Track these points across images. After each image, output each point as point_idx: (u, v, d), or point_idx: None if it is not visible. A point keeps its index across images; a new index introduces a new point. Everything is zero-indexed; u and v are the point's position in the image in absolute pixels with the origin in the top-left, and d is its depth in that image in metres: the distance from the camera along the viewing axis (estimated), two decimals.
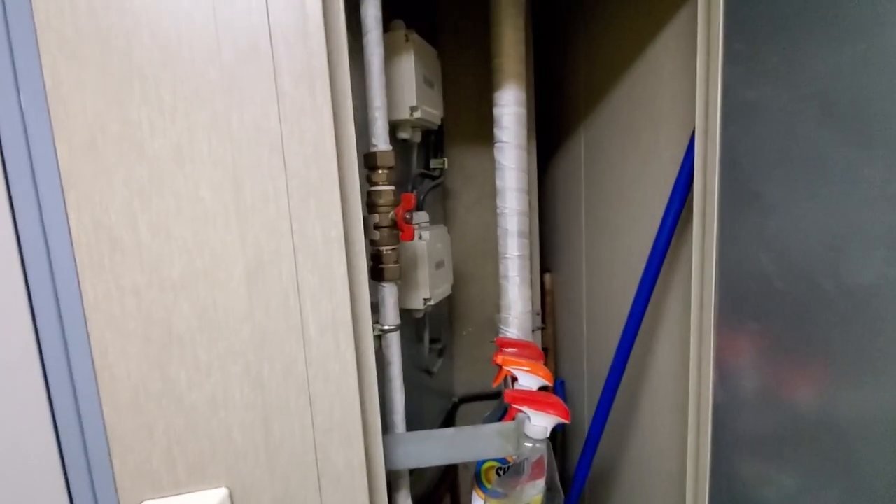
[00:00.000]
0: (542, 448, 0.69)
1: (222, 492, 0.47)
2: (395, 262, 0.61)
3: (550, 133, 1.18)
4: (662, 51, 0.73)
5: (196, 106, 0.42)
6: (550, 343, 1.24)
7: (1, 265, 0.41)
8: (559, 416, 0.62)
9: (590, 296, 1.05)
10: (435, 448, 0.59)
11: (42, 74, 0.40)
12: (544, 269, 1.24)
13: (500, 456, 0.62)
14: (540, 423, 0.63)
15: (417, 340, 0.92)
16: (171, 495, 0.46)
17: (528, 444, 0.64)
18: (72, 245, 0.42)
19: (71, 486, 0.45)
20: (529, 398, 0.63)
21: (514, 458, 0.75)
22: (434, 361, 0.97)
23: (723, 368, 0.54)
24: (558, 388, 1.19)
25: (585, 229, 1.03)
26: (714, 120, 0.50)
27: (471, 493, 0.78)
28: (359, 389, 0.49)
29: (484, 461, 0.75)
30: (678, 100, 0.69)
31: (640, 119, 0.81)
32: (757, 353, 0.53)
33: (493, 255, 0.90)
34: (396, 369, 0.63)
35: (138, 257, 0.43)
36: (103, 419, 0.44)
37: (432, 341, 0.95)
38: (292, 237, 0.45)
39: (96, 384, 0.44)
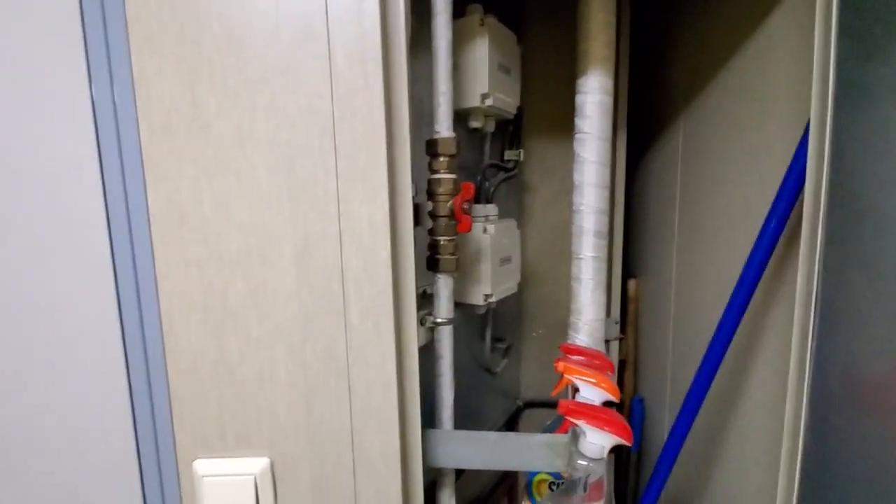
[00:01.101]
0: (600, 469, 0.63)
1: (265, 461, 0.49)
2: (452, 253, 0.59)
3: (645, 127, 1.08)
4: (776, 30, 0.63)
5: (256, 89, 0.44)
6: (630, 355, 1.15)
7: (91, 235, 0.46)
8: (619, 435, 0.56)
9: (678, 305, 0.95)
10: (476, 451, 0.56)
11: (131, 65, 0.44)
12: (629, 274, 1.14)
13: (546, 469, 0.58)
14: (596, 441, 0.57)
15: (479, 338, 0.89)
16: (221, 458, 0.49)
17: (582, 463, 0.59)
18: (149, 219, 0.46)
19: (139, 442, 0.50)
20: (587, 412, 0.58)
21: (568, 474, 0.70)
22: (497, 361, 0.93)
23: (823, 407, 0.45)
24: (636, 406, 1.09)
25: (678, 231, 0.93)
26: (831, 107, 0.41)
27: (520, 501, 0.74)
28: (397, 379, 0.48)
29: (535, 474, 0.71)
30: (794, 86, 0.59)
31: (747, 109, 0.70)
32: (878, 392, 0.43)
33: (568, 253, 0.85)
34: (447, 364, 0.62)
35: (202, 232, 0.46)
36: (167, 382, 0.48)
37: (496, 340, 0.92)
38: (339, 219, 0.45)
39: (163, 348, 0.48)
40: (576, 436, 0.58)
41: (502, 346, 0.94)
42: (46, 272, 0.46)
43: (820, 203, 0.44)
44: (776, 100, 0.63)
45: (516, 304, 1.06)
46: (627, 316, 1.12)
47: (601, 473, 0.63)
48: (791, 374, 0.50)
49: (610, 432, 0.56)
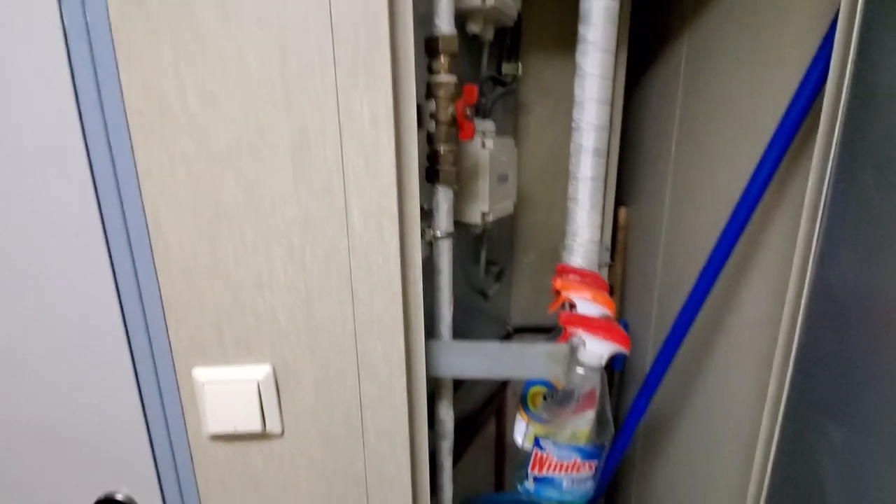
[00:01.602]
0: (595, 379, 0.64)
1: (266, 368, 0.48)
2: (453, 164, 0.57)
3: (646, 41, 1.03)
4: None
5: None
6: (617, 282, 1.16)
7: (61, 118, 0.41)
8: (619, 343, 0.57)
9: (670, 231, 0.95)
10: (479, 360, 0.57)
11: None
12: (619, 202, 1.13)
13: (546, 377, 0.59)
14: (595, 350, 0.58)
15: (474, 260, 0.89)
16: (221, 365, 0.48)
17: (581, 371, 0.60)
18: (124, 107, 0.42)
19: (134, 351, 0.48)
20: (587, 322, 0.58)
21: (562, 385, 0.72)
22: (490, 284, 0.94)
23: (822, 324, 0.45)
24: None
25: (675, 154, 0.91)
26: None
27: (515, 415, 0.76)
28: (402, 285, 0.47)
29: (531, 384, 0.73)
30: None
31: (760, 16, 0.67)
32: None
33: (563, 178, 0.83)
34: (446, 279, 0.61)
35: (186, 125, 0.42)
36: (159, 286, 0.46)
37: (489, 263, 0.92)
38: (338, 113, 0.42)
39: (151, 251, 0.45)
40: (574, 346, 0.59)
41: (495, 269, 0.94)
42: (12, 174, 0.42)
43: (840, 99, 0.43)
44: (794, 3, 0.60)
45: (509, 229, 1.05)
46: (616, 244, 1.13)
47: (594, 384, 0.65)
48: (792, 278, 0.51)
49: (609, 340, 0.57)
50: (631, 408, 0.82)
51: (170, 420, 0.50)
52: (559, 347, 0.56)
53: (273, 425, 0.50)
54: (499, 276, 0.96)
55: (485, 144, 0.71)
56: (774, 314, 0.60)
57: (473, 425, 1.08)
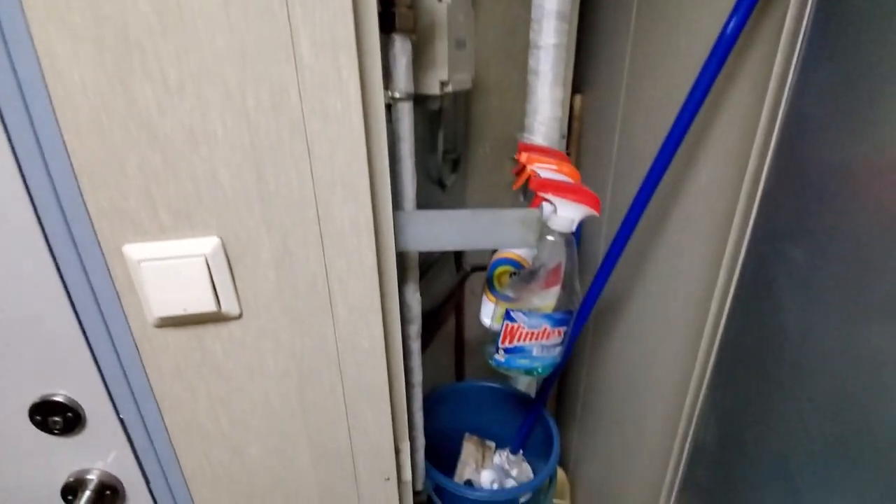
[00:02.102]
0: (563, 251, 0.64)
1: (214, 240, 0.42)
2: (409, 6, 0.49)
3: None
4: None
5: None
6: None
7: None
8: (589, 206, 0.56)
9: (627, 113, 0.93)
10: (450, 230, 0.54)
11: None
12: (575, 89, 1.09)
13: (520, 245, 0.57)
14: (567, 215, 0.57)
15: (431, 147, 0.83)
16: (158, 240, 0.42)
17: (551, 239, 0.59)
18: None
19: (46, 229, 0.40)
20: (558, 186, 0.56)
21: (529, 263, 0.72)
22: (448, 174, 0.89)
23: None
24: None
25: (634, 26, 0.87)
26: None
27: (481, 298, 0.76)
28: (366, 138, 0.41)
29: (497, 265, 0.72)
30: None
31: None
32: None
33: (519, 59, 0.77)
34: (408, 147, 0.55)
35: None
36: (65, 145, 0.37)
37: (446, 152, 0.87)
38: None
39: (49, 98, 0.36)
40: (545, 212, 0.57)
41: (452, 156, 0.89)
42: None
43: None
44: None
45: (465, 114, 0.99)
46: (571, 134, 1.11)
47: (561, 258, 0.65)
48: (763, 116, 0.50)
49: (580, 203, 0.55)
50: (586, 295, 0.84)
51: (104, 308, 0.44)
52: (532, 212, 0.54)
53: (229, 306, 0.45)
54: (455, 166, 0.92)
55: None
56: (735, 175, 0.60)
57: (434, 322, 1.08)
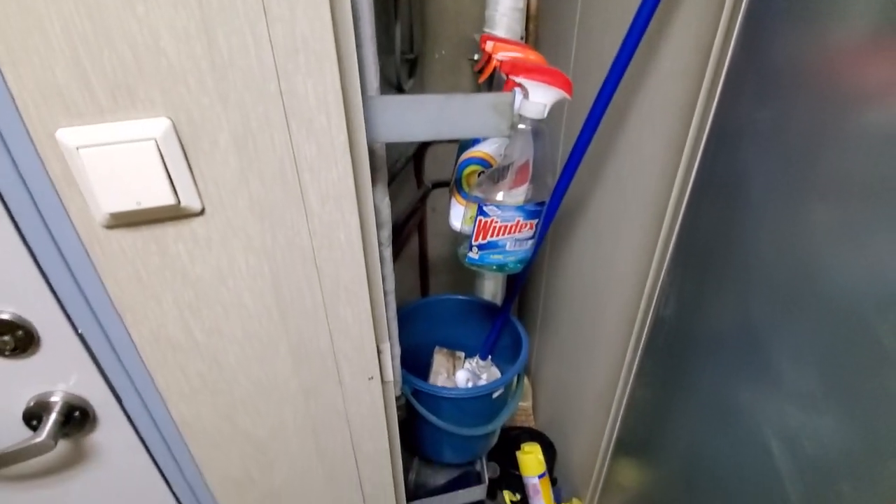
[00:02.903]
0: (530, 149, 0.63)
1: (163, 122, 0.37)
2: None
3: None
4: None
5: None
6: None
7: None
8: (562, 88, 0.54)
9: (584, 13, 0.90)
10: (421, 117, 0.51)
11: None
12: None
13: (492, 134, 0.55)
14: (539, 100, 0.55)
15: (388, 49, 0.77)
16: (95, 124, 0.36)
17: (522, 127, 0.58)
18: None
19: None
20: (530, 68, 0.54)
21: (497, 161, 0.70)
22: (405, 77, 0.84)
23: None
24: None
25: None
26: None
27: (449, 202, 0.75)
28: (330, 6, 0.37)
29: (465, 166, 0.70)
30: None
31: None
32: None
33: None
34: (369, 29, 0.50)
35: None
36: None
37: (403, 52, 0.81)
38: None
39: None
40: (517, 97, 0.55)
41: (409, 56, 0.84)
42: None
43: None
44: None
45: (420, 18, 0.92)
46: (528, 36, 1.07)
47: (528, 156, 0.64)
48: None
49: (553, 85, 0.54)
50: (552, 196, 0.84)
51: (43, 209, 0.39)
52: (505, 96, 0.52)
53: (189, 199, 0.41)
54: (413, 69, 0.87)
55: None
56: (698, 64, 0.61)
57: (396, 240, 1.07)
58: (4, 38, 0.32)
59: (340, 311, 0.53)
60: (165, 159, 0.38)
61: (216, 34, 0.35)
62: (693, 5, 0.63)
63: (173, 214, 0.41)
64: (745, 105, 0.52)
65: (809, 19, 0.44)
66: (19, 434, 0.47)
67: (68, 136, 0.36)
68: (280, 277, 0.48)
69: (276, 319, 0.51)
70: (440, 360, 1.09)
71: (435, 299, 1.08)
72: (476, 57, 0.83)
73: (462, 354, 1.12)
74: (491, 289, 1.10)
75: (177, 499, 0.60)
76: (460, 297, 1.08)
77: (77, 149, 0.36)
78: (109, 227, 0.40)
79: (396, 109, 0.50)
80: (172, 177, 0.39)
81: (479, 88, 1.03)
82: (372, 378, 0.60)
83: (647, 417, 0.79)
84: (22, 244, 0.39)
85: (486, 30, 0.77)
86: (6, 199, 0.37)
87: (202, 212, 0.42)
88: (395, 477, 0.73)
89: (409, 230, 1.10)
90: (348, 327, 0.54)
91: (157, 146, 0.37)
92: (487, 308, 1.09)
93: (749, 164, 0.51)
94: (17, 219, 0.38)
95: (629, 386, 0.83)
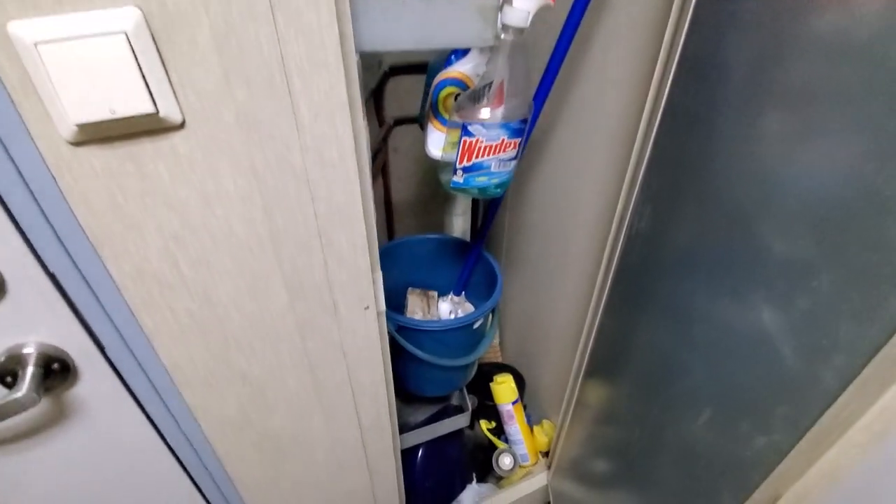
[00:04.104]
0: (507, 66, 0.62)
1: (132, 12, 0.33)
2: None
3: None
4: None
5: None
6: None
7: None
8: None
9: None
10: (406, 22, 0.48)
11: None
12: None
13: (476, 43, 0.53)
14: (523, 6, 0.53)
15: None
16: (52, 14, 0.31)
17: (504, 37, 0.56)
18: None
19: None
20: None
21: (473, 82, 0.69)
22: None
23: None
24: None
25: None
26: None
27: (426, 129, 0.72)
28: None
29: (441, 87, 0.68)
30: None
31: None
32: None
33: None
34: None
35: None
36: None
37: None
38: None
39: None
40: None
41: None
42: None
43: None
44: None
45: None
46: None
47: (504, 74, 0.63)
48: None
49: None
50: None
51: None
52: (488, 2, 0.50)
53: (168, 108, 0.36)
54: None
55: None
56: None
57: None
58: None
59: (335, 236, 0.51)
60: (139, 58, 0.33)
61: None
62: None
63: (151, 127, 0.37)
64: (711, 34, 0.53)
65: None
66: None
67: (25, 31, 0.30)
68: (271, 200, 0.45)
69: (269, 248, 0.48)
70: (414, 300, 1.09)
71: (403, 241, 1.06)
72: None
73: (435, 293, 1.13)
74: (461, 226, 1.11)
75: (171, 450, 0.58)
76: (431, 236, 1.07)
77: (35, 45, 0.31)
78: (77, 143, 0.36)
79: (382, 13, 0.46)
80: (148, 81, 0.34)
81: None
82: (367, 307, 0.59)
83: (617, 335, 0.84)
84: None
85: None
86: None
87: (182, 124, 0.38)
88: (389, 407, 0.73)
89: (373, 171, 1.06)
90: (343, 254, 0.52)
91: (129, 41, 0.33)
92: (458, 245, 1.09)
93: (712, 76, 0.53)
94: None
95: (601, 306, 0.88)
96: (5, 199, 0.36)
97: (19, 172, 0.35)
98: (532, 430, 1.28)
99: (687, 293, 0.62)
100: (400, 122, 1.04)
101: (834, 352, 0.42)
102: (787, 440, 0.47)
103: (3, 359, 0.42)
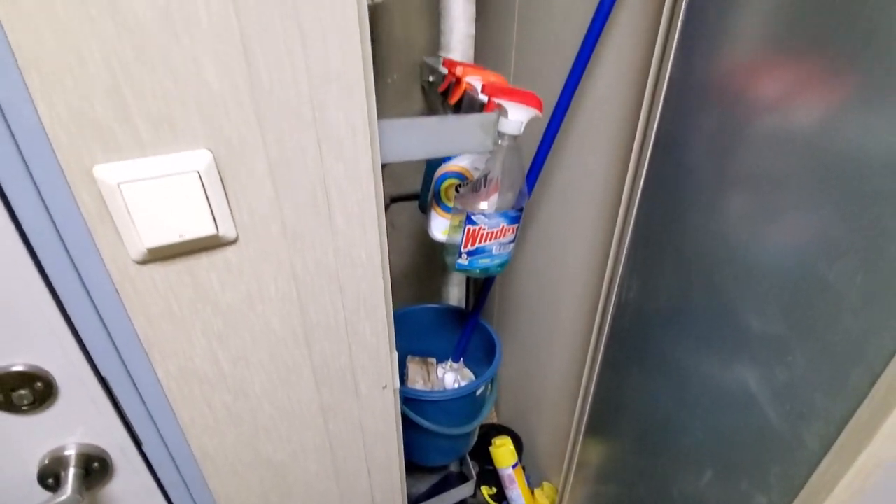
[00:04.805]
0: (504, 161, 0.69)
1: (204, 155, 0.38)
2: None
3: None
4: None
5: None
6: None
7: None
8: (534, 107, 0.61)
9: (521, 37, 0.99)
10: (421, 138, 0.55)
11: None
12: None
13: (478, 150, 0.60)
14: (517, 118, 0.61)
15: None
16: (133, 158, 0.36)
17: (501, 143, 0.64)
18: None
19: None
20: (507, 91, 0.60)
21: (472, 175, 0.76)
22: None
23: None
24: None
25: None
26: None
27: (429, 213, 0.79)
28: (359, 25, 0.40)
29: (443, 180, 0.75)
30: None
31: None
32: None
33: None
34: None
35: None
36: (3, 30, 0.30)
37: None
38: None
39: None
40: (497, 116, 0.61)
41: None
42: None
43: None
44: None
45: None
46: None
47: (506, 168, 0.70)
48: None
49: (527, 105, 0.60)
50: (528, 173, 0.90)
51: (71, 248, 0.37)
52: (488, 116, 0.58)
53: (226, 228, 0.41)
54: None
55: None
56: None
57: None
58: (35, 65, 0.31)
59: (360, 324, 0.55)
60: (207, 191, 0.39)
61: (254, 56, 0.37)
62: (628, 33, 0.73)
63: (208, 245, 0.42)
64: (683, 114, 0.62)
65: (721, 45, 0.54)
66: (34, 498, 0.43)
67: (108, 173, 0.35)
68: (307, 299, 0.49)
69: (301, 341, 0.52)
70: (414, 368, 1.11)
71: (406, 311, 1.10)
72: (431, 79, 0.89)
73: (433, 360, 1.15)
74: (456, 295, 1.15)
75: None
76: (429, 305, 1.11)
77: (118, 185, 0.36)
78: (143, 262, 0.40)
79: (403, 133, 0.53)
80: (214, 210, 0.39)
81: (429, 110, 1.08)
82: (385, 387, 0.62)
83: (614, 396, 0.88)
84: (45, 288, 0.37)
85: (442, 55, 0.83)
86: (33, 241, 0.36)
87: (235, 240, 0.43)
88: (401, 482, 0.75)
89: None
90: (366, 339, 0.56)
91: (200, 178, 0.38)
92: (455, 314, 1.13)
93: (685, 164, 0.61)
94: (43, 263, 0.37)
95: (596, 369, 0.92)
96: (69, 314, 0.39)
97: (84, 286, 0.39)
98: (533, 493, 1.27)
99: (680, 357, 0.68)
100: (396, 199, 1.10)
101: (813, 419, 0.47)
102: (784, 500, 0.51)
103: (47, 461, 0.44)
